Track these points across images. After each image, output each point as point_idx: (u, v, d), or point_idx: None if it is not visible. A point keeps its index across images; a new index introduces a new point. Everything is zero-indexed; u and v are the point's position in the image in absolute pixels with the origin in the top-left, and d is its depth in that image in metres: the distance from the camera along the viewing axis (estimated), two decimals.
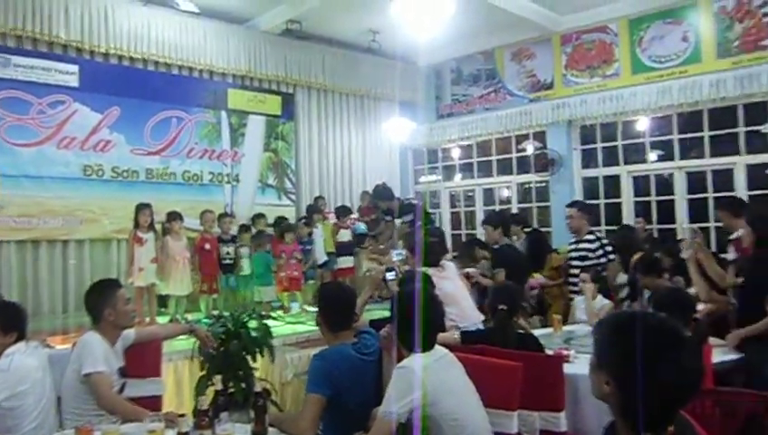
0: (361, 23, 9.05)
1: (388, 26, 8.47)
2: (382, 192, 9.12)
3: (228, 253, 7.32)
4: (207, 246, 7.19)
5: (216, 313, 6.66)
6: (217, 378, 2.85)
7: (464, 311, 4.50)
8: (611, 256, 5.75)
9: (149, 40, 8.00)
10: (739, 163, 7.86)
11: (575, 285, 5.70)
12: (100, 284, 3.38)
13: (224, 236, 7.42)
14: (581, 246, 5.82)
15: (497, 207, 10.21)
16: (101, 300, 3.20)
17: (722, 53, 7.84)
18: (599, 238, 5.85)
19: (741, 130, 7.85)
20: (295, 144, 9.84)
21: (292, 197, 9.77)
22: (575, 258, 5.86)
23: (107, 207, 7.72)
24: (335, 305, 3.04)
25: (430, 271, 4.36)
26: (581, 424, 3.33)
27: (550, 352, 3.63)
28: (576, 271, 5.75)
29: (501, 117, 9.81)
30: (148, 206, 6.69)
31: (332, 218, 8.79)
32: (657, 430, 1.49)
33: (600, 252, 5.73)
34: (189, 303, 7.12)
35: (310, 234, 8.23)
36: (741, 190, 7.80)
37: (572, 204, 6.16)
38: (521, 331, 3.64)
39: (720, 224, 5.74)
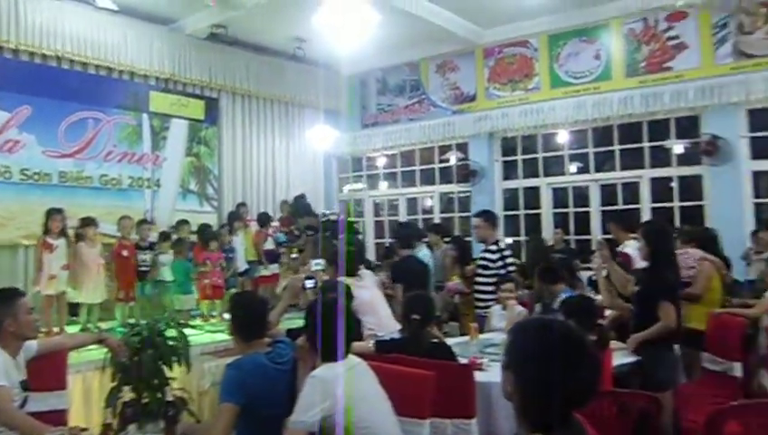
0: (288, 30, 9.03)
1: (314, 34, 8.46)
2: (301, 208, 9.06)
3: (144, 260, 7.13)
4: (125, 253, 7.01)
5: (132, 321, 6.48)
6: (126, 389, 2.78)
7: (381, 320, 4.54)
8: (511, 268, 5.82)
9: (64, 36, 7.68)
10: (644, 176, 8.33)
11: (481, 293, 5.79)
12: (0, 293, 3.23)
13: (142, 242, 7.23)
14: (485, 255, 5.90)
15: (420, 217, 10.39)
16: (1, 310, 3.06)
17: (630, 72, 8.29)
18: (500, 250, 5.88)
19: (646, 145, 8.33)
20: (218, 149, 9.70)
21: (214, 203, 9.61)
22: (480, 267, 5.94)
23: (15, 211, 7.36)
24: (247, 315, 3.02)
25: (348, 281, 4.38)
26: (493, 430, 3.43)
27: (464, 361, 3.72)
28: (480, 279, 5.83)
29: (425, 127, 10.00)
30: (59, 211, 6.44)
31: (254, 226, 8.71)
32: (551, 431, 1.55)
33: (500, 263, 5.77)
34: (103, 311, 6.89)
35: (230, 241, 8.12)
36: (646, 203, 8.27)
37: (478, 214, 6.26)
38: (434, 340, 3.72)
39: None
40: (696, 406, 3.70)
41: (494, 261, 5.76)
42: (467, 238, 8.57)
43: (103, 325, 6.53)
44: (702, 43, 7.74)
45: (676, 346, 4.18)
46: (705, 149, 7.54)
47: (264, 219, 8.77)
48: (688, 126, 8.02)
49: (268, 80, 9.96)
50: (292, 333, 3.37)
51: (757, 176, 7.58)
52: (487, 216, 6.11)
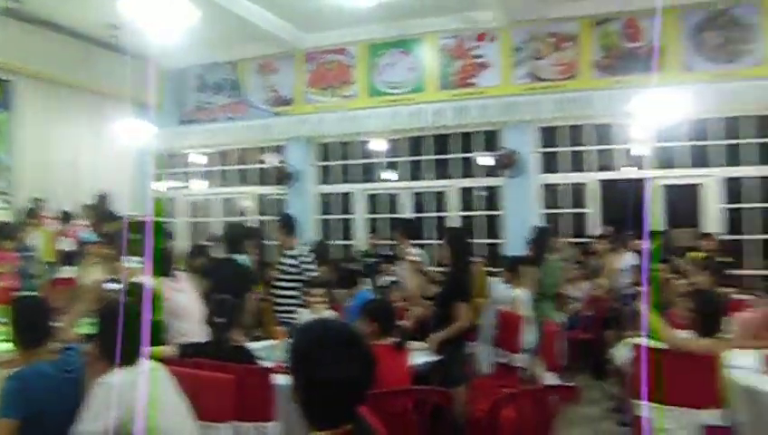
0: (101, 14, 8.34)
1: (128, 22, 7.96)
2: (102, 215, 8.48)
3: None
4: None
5: None
6: None
7: (195, 326, 4.32)
8: (312, 274, 5.70)
9: None
10: (453, 186, 8.92)
11: (280, 298, 5.70)
12: None
13: None
14: (283, 260, 5.81)
15: (237, 218, 10.19)
16: None
17: (443, 85, 8.83)
18: (298, 256, 5.76)
19: (456, 156, 8.94)
20: (13, 138, 8.74)
21: (7, 198, 8.65)
22: (279, 272, 5.84)
23: None
24: (28, 320, 2.80)
25: (165, 282, 4.16)
26: (297, 433, 3.47)
27: (270, 364, 3.74)
28: (279, 284, 5.75)
29: (243, 128, 9.84)
30: None
31: (52, 224, 7.98)
32: (331, 428, 1.60)
33: (297, 270, 5.68)
34: None
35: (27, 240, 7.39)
36: (454, 211, 8.86)
37: (276, 219, 6.27)
38: (236, 344, 3.70)
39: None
40: (486, 396, 4.05)
41: (292, 266, 5.67)
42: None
43: None
44: (502, 64, 8.48)
45: (471, 343, 4.56)
46: (504, 162, 8.27)
47: (64, 217, 8.07)
48: (491, 140, 8.72)
49: (77, 66, 9.15)
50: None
51: (545, 188, 8.49)
52: (282, 221, 5.96)
